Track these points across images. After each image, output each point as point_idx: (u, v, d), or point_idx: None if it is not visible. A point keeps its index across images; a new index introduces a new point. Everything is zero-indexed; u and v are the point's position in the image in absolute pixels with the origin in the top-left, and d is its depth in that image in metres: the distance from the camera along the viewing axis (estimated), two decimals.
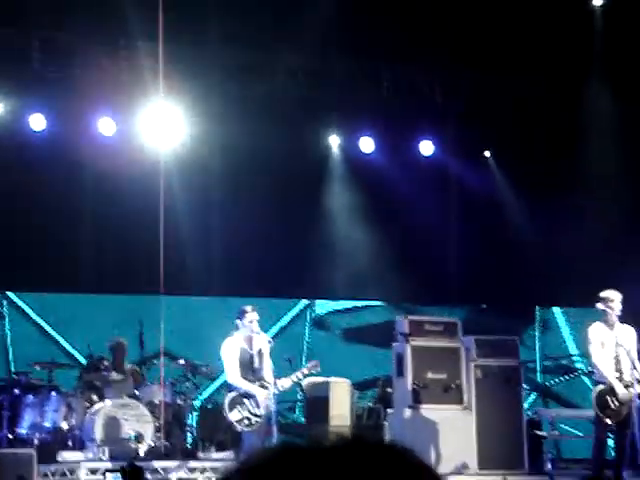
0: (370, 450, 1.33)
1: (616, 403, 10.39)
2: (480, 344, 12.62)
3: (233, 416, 10.62)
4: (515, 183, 14.86)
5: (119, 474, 9.51)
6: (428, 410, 12.14)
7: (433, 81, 14.24)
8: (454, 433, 12.01)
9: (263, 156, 13.82)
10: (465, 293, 15.19)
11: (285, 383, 10.74)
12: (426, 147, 14.83)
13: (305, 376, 11.06)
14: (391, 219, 14.72)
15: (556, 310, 16.32)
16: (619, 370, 10.49)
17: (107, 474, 10.70)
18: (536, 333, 16.20)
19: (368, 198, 14.64)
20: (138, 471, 8.67)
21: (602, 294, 10.66)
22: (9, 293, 14.54)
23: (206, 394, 14.10)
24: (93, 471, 11.20)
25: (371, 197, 14.64)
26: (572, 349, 15.96)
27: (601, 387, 10.57)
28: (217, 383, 13.46)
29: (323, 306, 15.82)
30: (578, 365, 15.55)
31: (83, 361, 13.50)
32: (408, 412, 12.13)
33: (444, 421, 12.09)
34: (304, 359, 14.44)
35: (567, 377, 15.74)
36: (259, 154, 13.81)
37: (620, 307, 10.61)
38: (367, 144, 14.70)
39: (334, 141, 14.95)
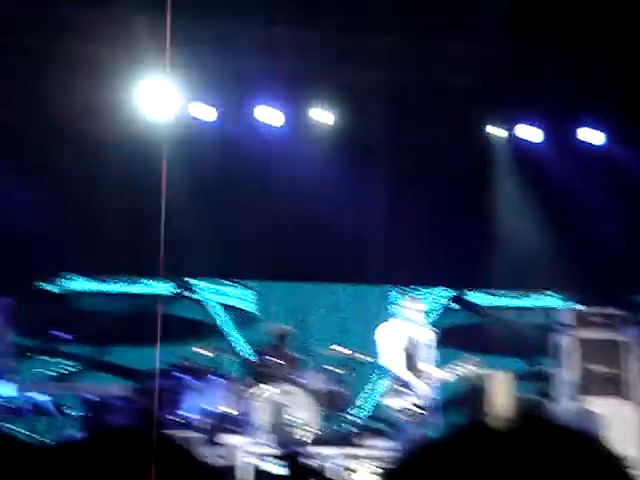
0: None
1: None
2: None
3: (394, 403, 10.60)
4: None
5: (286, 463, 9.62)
6: (591, 402, 11.97)
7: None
8: (617, 426, 11.80)
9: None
10: None
11: (446, 376, 10.67)
12: (595, 136, 14.51)
13: (466, 372, 10.92)
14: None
15: None
16: None
17: (272, 461, 10.85)
18: None
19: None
20: (301, 459, 8.77)
21: None
22: None
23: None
24: (257, 456, 11.35)
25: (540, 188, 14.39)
26: None
27: None
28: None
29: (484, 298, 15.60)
30: None
31: (246, 347, 13.73)
32: (570, 404, 11.98)
33: (607, 413, 11.89)
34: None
35: None
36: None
37: None
38: (532, 133, 14.46)
39: (495, 131, 14.75)
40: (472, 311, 15.49)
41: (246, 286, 14.79)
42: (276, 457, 10.73)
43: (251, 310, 14.56)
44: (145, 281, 14.57)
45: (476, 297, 15.46)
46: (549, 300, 15.22)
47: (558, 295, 15.19)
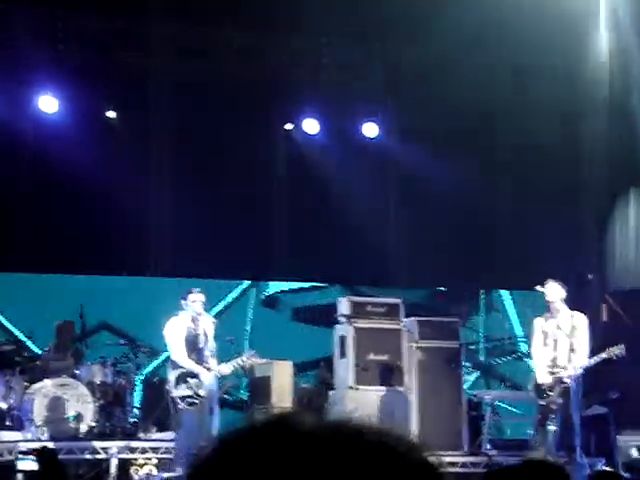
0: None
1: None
2: (422, 325, 12.71)
3: (178, 392, 10.62)
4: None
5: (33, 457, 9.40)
6: (369, 391, 12.21)
7: None
8: (395, 415, 12.07)
9: None
10: (413, 276, 15.14)
11: (224, 369, 10.82)
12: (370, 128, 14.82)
13: (243, 364, 11.08)
14: None
15: (504, 293, 16.39)
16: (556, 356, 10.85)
17: (19, 457, 10.59)
18: (482, 315, 16.26)
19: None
20: (51, 454, 8.57)
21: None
22: None
23: (150, 368, 14.01)
24: (16, 453, 11.06)
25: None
26: (518, 331, 16.08)
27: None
28: (161, 358, 13.38)
29: (273, 286, 15.74)
30: (521, 347, 15.68)
31: (24, 340, 13.37)
32: (350, 393, 12.19)
33: (385, 402, 12.16)
34: (246, 341, 14.50)
35: (508, 357, 15.88)
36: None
37: (559, 295, 10.93)
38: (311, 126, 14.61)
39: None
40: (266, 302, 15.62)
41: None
42: (27, 453, 10.48)
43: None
44: None
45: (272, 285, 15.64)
46: (332, 291, 15.49)
47: (339, 285, 15.47)
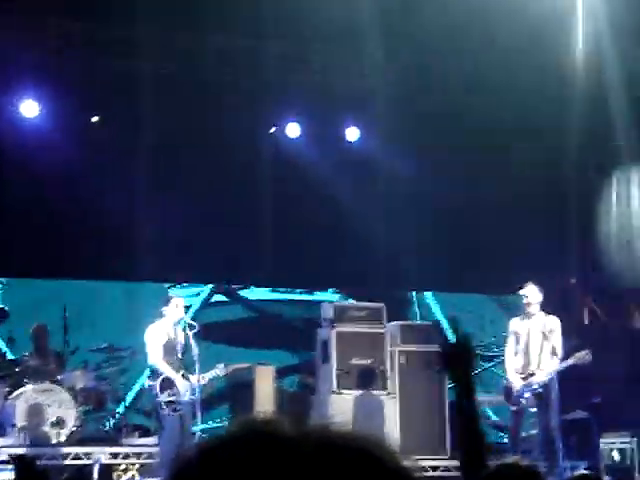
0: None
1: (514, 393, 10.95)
2: (404, 330, 12.74)
3: (162, 397, 10.64)
4: None
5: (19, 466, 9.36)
6: (352, 396, 12.22)
7: None
8: (377, 419, 12.09)
9: None
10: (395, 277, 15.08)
11: (202, 381, 10.83)
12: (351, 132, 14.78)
13: (218, 375, 11.10)
14: None
15: (427, 295, 15.97)
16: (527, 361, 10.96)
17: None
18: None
19: None
20: (28, 461, 8.54)
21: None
22: None
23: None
24: None
25: None
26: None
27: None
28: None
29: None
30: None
31: (2, 345, 13.33)
32: (332, 398, 12.20)
33: (368, 407, 12.17)
34: None
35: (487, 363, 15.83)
36: None
37: (537, 298, 10.98)
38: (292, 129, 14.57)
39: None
40: (241, 305, 15.54)
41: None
42: (5, 462, 10.48)
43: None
44: None
45: (247, 292, 15.50)
46: (317, 295, 15.46)
47: (328, 290, 15.44)
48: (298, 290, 15.61)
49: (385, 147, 14.43)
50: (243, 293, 15.47)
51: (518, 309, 11.49)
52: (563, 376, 10.94)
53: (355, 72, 14.22)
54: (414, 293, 15.92)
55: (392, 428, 12.08)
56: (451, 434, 12.50)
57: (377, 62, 13.92)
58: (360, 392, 12.28)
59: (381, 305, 12.76)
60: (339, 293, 15.35)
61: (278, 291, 15.62)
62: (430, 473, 11.90)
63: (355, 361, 12.38)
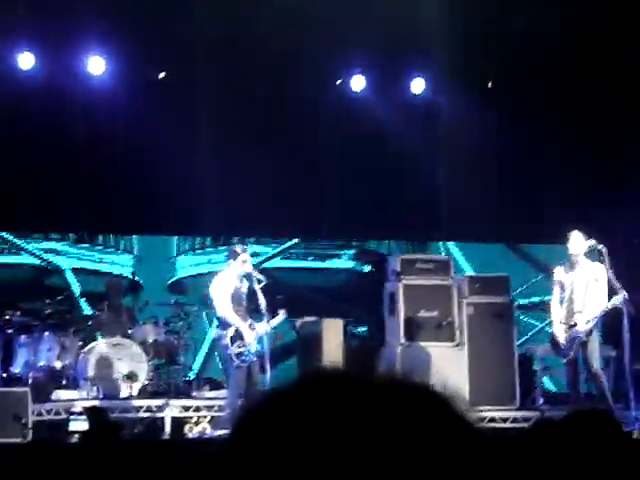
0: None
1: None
2: (472, 281, 12.68)
3: (233, 349, 10.71)
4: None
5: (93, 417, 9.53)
6: (420, 347, 12.22)
7: None
8: (446, 370, 12.06)
9: None
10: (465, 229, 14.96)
11: (267, 328, 10.88)
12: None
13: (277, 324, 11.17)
14: None
15: (451, 245, 15.61)
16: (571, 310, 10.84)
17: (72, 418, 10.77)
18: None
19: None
20: (101, 413, 8.68)
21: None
22: None
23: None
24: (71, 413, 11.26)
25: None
26: None
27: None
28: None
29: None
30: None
31: (78, 299, 13.56)
32: (400, 350, 12.21)
33: (436, 358, 12.16)
34: None
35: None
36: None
37: (582, 247, 10.79)
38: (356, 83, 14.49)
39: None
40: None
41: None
42: (81, 413, 10.64)
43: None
44: None
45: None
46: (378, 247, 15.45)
47: (384, 243, 15.42)
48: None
49: (451, 99, 14.33)
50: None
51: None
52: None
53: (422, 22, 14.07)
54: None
55: (461, 379, 12.06)
56: (520, 385, 12.46)
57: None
58: (428, 344, 12.27)
59: (448, 257, 12.74)
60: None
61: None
62: (499, 425, 11.87)
63: (423, 313, 12.36)
